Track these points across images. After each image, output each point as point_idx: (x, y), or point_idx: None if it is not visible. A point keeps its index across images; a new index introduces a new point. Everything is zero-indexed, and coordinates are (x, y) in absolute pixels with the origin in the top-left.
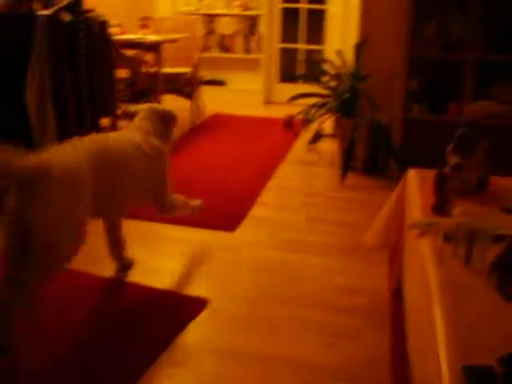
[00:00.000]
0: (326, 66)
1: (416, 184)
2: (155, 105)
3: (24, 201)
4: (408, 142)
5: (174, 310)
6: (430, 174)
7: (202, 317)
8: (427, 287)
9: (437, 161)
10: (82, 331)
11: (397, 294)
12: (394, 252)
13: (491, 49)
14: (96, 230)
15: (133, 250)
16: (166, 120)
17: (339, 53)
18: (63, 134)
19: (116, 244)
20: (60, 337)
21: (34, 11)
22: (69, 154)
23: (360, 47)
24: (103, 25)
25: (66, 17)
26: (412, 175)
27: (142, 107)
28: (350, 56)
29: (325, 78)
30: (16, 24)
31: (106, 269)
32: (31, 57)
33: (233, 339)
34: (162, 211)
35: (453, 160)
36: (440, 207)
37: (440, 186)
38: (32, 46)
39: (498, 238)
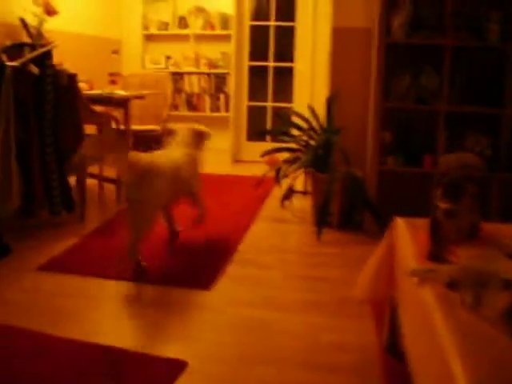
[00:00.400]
0: (297, 120)
1: (406, 232)
2: (193, 125)
3: (138, 186)
4: (383, 194)
5: (151, 374)
6: (419, 222)
7: (181, 381)
8: (437, 338)
9: (415, 212)
10: None
11: (388, 350)
12: (380, 306)
13: (462, 100)
14: (59, 291)
15: (102, 311)
16: (200, 135)
17: (310, 107)
18: (29, 196)
19: (171, 220)
20: None
21: (1, 61)
22: (158, 161)
23: (332, 101)
24: (72, 78)
25: (35, 69)
26: (400, 224)
27: (182, 127)
28: (319, 111)
29: (297, 133)
30: None
31: (69, 329)
32: None
33: None
34: (197, 201)
35: (443, 206)
36: (436, 254)
37: (435, 232)
38: None
39: (508, 284)
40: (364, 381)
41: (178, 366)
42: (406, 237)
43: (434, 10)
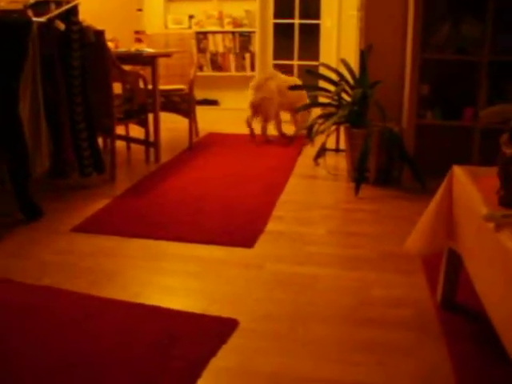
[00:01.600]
0: (329, 74)
1: (468, 180)
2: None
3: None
4: (421, 149)
5: (202, 332)
6: (478, 170)
7: (234, 339)
8: None
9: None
10: (103, 359)
11: (444, 305)
12: (430, 260)
13: (506, 50)
14: (96, 251)
15: (143, 271)
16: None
17: (344, 61)
18: (59, 157)
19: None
20: (83, 365)
21: (28, 17)
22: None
23: (366, 53)
24: (100, 35)
25: (61, 25)
26: (460, 172)
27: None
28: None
29: (329, 88)
30: (8, 30)
31: (112, 290)
32: (24, 67)
33: (274, 362)
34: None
35: (509, 151)
36: (509, 200)
37: (507, 176)
38: (25, 54)
39: None
40: (422, 336)
41: (230, 325)
42: (470, 184)
43: None
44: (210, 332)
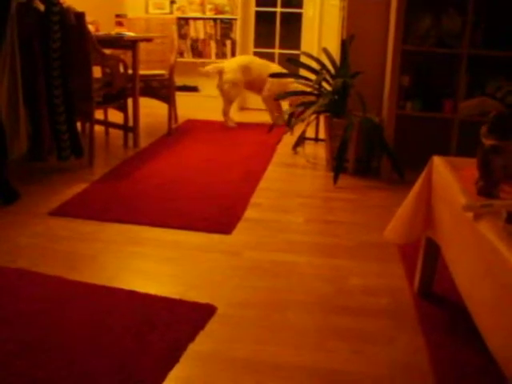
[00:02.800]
0: (310, 63)
1: (448, 171)
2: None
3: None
4: (401, 140)
5: (180, 318)
6: (458, 161)
7: (212, 325)
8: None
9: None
10: (80, 344)
11: (420, 294)
12: (408, 249)
13: (486, 44)
14: (73, 235)
15: (120, 256)
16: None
17: (325, 50)
18: (37, 140)
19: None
20: (59, 350)
21: None
22: (231, 64)
23: (348, 43)
24: (80, 17)
25: (40, 6)
26: (439, 163)
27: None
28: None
29: (310, 76)
30: None
31: (89, 274)
32: (1, 48)
33: (250, 348)
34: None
35: (488, 142)
36: (488, 190)
37: (486, 167)
38: (3, 35)
39: None
40: (399, 324)
41: (207, 310)
42: (449, 175)
43: None
44: (187, 317)
